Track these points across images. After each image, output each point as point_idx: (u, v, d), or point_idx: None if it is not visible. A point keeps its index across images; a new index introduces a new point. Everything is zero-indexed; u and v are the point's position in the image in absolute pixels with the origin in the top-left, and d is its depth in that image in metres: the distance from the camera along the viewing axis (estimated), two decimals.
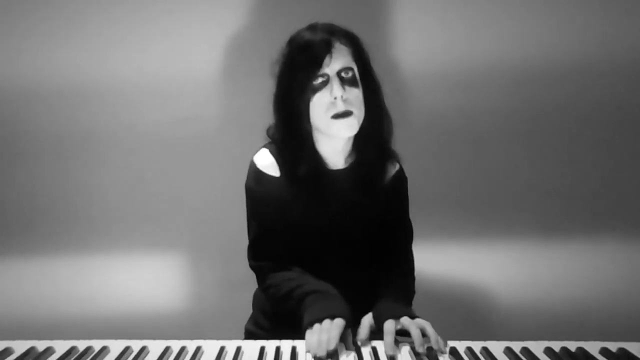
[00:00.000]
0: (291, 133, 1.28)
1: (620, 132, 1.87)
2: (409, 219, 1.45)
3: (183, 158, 1.88)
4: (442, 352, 1.10)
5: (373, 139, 1.31)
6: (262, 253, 1.35)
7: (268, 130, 1.35)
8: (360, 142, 1.32)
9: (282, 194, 1.29)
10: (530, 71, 1.83)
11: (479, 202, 1.90)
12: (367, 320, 1.21)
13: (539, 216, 1.90)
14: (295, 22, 1.29)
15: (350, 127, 1.23)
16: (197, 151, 1.87)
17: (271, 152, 1.32)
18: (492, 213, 1.90)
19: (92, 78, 1.82)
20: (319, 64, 1.20)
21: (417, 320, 1.16)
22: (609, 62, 1.82)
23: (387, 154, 1.38)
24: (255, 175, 1.31)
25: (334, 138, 1.28)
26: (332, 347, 1.07)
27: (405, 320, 1.15)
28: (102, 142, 1.87)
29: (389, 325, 1.14)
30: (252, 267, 1.37)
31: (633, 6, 1.80)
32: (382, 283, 1.32)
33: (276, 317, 1.40)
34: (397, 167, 1.41)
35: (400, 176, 1.42)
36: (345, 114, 1.21)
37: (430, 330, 1.13)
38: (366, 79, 1.27)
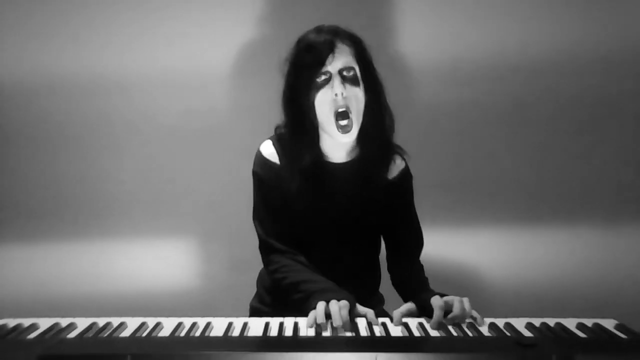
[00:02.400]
0: (298, 129, 1.31)
1: (595, 124, 1.89)
2: (418, 222, 1.45)
3: (196, 148, 1.91)
4: (480, 325, 1.14)
5: (375, 136, 1.33)
6: (269, 231, 1.37)
7: (276, 129, 1.38)
8: (363, 138, 1.33)
9: (282, 181, 1.34)
10: (512, 67, 1.85)
11: (465, 190, 1.92)
12: (407, 306, 1.24)
13: (521, 202, 1.92)
14: (301, 22, 1.31)
15: (348, 136, 1.27)
16: (208, 141, 1.90)
17: (273, 143, 1.37)
18: (479, 200, 1.92)
19: (113, 73, 1.86)
20: (322, 62, 1.23)
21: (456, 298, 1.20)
22: (584, 58, 1.85)
23: (390, 150, 1.39)
24: (259, 161, 1.37)
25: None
26: (345, 318, 1.11)
27: (448, 298, 1.19)
28: (122, 132, 1.90)
29: (438, 301, 1.16)
30: (261, 242, 1.39)
31: (607, 5, 1.82)
32: (411, 279, 1.38)
33: (277, 295, 1.43)
34: (404, 164, 1.41)
35: (407, 174, 1.42)
36: (346, 127, 1.24)
37: (467, 305, 1.16)
38: (368, 78, 1.29)
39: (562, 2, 1.83)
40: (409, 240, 1.43)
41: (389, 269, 1.46)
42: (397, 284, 1.43)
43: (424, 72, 1.87)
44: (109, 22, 1.84)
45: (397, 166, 1.40)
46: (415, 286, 1.33)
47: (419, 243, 1.44)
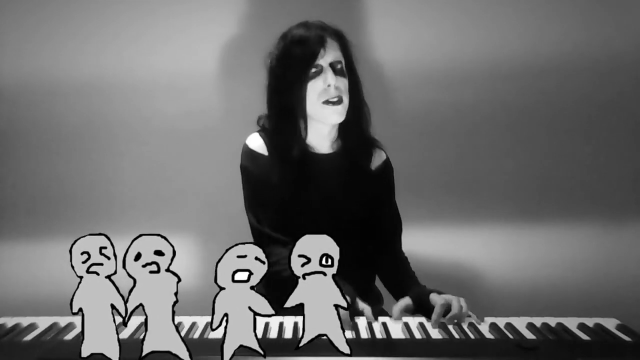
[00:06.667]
0: (285, 120, 1.33)
1: (596, 124, 1.88)
2: (397, 210, 1.47)
3: (192, 148, 1.90)
4: (479, 323, 1.13)
5: (355, 126, 1.37)
6: (263, 221, 1.35)
7: (258, 121, 1.40)
8: (344, 129, 1.37)
9: (270, 172, 1.34)
10: (512, 68, 1.85)
11: (466, 189, 1.91)
12: (404, 301, 1.23)
13: (522, 202, 1.91)
14: (289, 21, 1.34)
15: (339, 114, 1.30)
16: (204, 141, 1.89)
17: (261, 136, 1.38)
18: (479, 199, 1.92)
19: (109, 75, 1.85)
20: (314, 55, 1.26)
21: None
22: (585, 59, 1.84)
23: (371, 142, 1.42)
24: (247, 154, 1.37)
25: (322, 124, 1.33)
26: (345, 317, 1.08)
27: (446, 296, 1.18)
28: (119, 133, 1.89)
29: (439, 299, 1.16)
30: (255, 232, 1.37)
31: (608, 8, 1.82)
32: (400, 273, 1.38)
33: (276, 292, 1.42)
34: (385, 156, 1.45)
35: (389, 165, 1.46)
36: (337, 102, 1.28)
37: (464, 304, 1.16)
38: (350, 71, 1.34)
39: (564, 4, 1.83)
40: (390, 228, 1.46)
41: (374, 256, 1.45)
42: (384, 275, 1.44)
43: (426, 73, 1.86)
44: (106, 25, 1.83)
45: (378, 158, 1.44)
46: (406, 283, 1.34)
47: (397, 230, 1.46)
